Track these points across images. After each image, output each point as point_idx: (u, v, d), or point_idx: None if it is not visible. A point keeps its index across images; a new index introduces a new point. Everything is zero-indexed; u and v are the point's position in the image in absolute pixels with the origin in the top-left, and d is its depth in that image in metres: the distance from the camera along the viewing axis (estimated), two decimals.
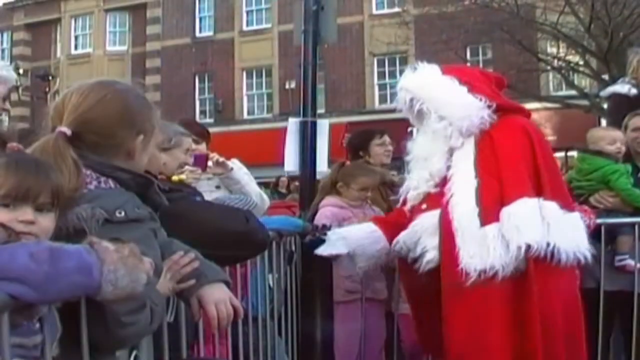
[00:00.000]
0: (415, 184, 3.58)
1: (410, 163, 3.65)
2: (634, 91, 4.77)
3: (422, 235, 3.37)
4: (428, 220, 3.39)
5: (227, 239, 2.37)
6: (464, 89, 3.47)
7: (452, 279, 3.20)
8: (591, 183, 4.26)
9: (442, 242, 3.28)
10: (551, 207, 3.23)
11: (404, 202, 3.68)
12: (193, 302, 2.03)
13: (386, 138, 5.02)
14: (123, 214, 1.78)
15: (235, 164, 4.03)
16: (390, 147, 5.01)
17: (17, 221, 1.60)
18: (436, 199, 3.41)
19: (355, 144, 5.20)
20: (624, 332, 4.15)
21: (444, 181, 3.44)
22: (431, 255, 3.31)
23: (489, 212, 3.22)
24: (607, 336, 4.15)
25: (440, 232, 3.30)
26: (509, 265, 3.13)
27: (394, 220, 3.71)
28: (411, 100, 3.54)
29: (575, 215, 3.36)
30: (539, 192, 3.26)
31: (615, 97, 4.97)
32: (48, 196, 1.64)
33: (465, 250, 3.17)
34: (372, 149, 4.99)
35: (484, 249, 3.15)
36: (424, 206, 3.48)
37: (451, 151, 3.49)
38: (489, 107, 3.44)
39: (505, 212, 3.19)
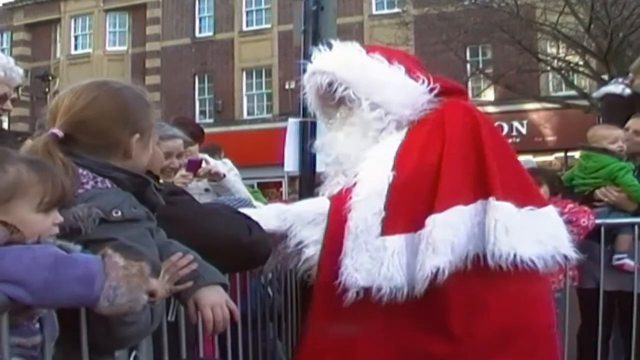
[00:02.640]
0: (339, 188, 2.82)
1: (330, 165, 2.95)
2: (627, 91, 4.82)
3: (294, 223, 2.72)
4: (310, 207, 2.78)
5: (226, 250, 2.31)
6: (400, 69, 2.85)
7: (325, 291, 2.63)
8: (597, 180, 4.31)
9: (327, 239, 2.66)
10: (504, 208, 2.54)
11: None
12: (190, 304, 2.03)
13: None
14: (120, 213, 1.78)
15: (226, 164, 4.04)
16: None
17: (53, 224, 1.63)
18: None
19: None
20: (624, 332, 4.15)
21: None
22: (312, 250, 2.68)
23: (396, 220, 2.59)
24: (606, 336, 4.16)
25: (327, 226, 2.67)
26: (400, 291, 2.52)
27: None
28: (329, 85, 2.87)
29: (543, 211, 2.66)
30: (487, 191, 2.58)
31: (609, 97, 5.02)
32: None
33: (351, 259, 2.56)
34: None
35: (376, 264, 2.54)
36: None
37: None
38: (430, 91, 2.81)
39: (433, 220, 2.52)
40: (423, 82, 2.81)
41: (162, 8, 26.70)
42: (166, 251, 1.99)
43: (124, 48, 27.38)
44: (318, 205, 2.76)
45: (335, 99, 2.90)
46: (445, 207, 2.54)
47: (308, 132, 5.24)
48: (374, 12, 23.72)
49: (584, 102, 16.86)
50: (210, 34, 26.12)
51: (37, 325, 1.61)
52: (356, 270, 2.54)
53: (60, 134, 1.83)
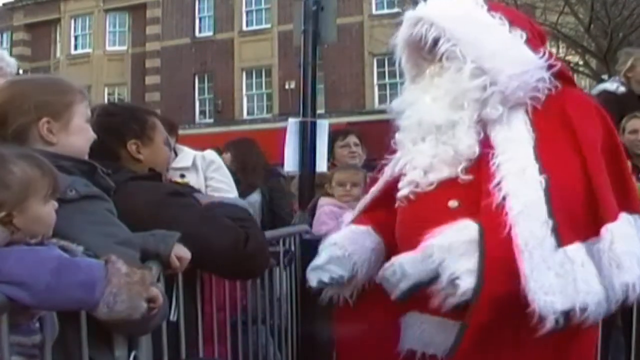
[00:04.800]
0: (425, 162, 2.45)
1: (405, 129, 2.55)
2: (622, 89, 4.87)
3: (446, 258, 2.22)
4: (454, 237, 2.25)
5: (218, 259, 2.30)
6: (521, 36, 2.44)
7: (503, 325, 2.18)
8: None
9: (486, 265, 2.17)
10: None
11: (390, 186, 2.61)
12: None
13: (350, 139, 4.91)
14: (74, 192, 1.80)
15: (205, 158, 3.94)
16: (355, 148, 4.86)
17: (54, 212, 1.65)
18: (468, 194, 2.35)
19: None
20: (624, 332, 4.15)
21: (473, 167, 2.40)
22: (467, 282, 2.16)
23: (567, 227, 2.19)
24: (606, 336, 4.15)
25: (483, 251, 2.19)
26: (603, 307, 2.15)
27: (384, 220, 2.63)
28: (435, 40, 2.46)
29: None
30: (630, 205, 2.31)
31: (604, 95, 5.05)
32: None
33: (534, 282, 2.10)
34: (336, 150, 4.97)
35: (568, 281, 2.13)
36: (452, 203, 2.37)
37: (483, 124, 2.42)
38: (549, 69, 2.42)
39: (609, 230, 2.19)
40: (543, 56, 2.41)
41: (162, 8, 26.70)
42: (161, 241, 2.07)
43: (124, 48, 27.39)
44: (465, 233, 2.26)
45: (434, 54, 2.49)
46: (616, 215, 2.23)
47: (308, 132, 5.26)
48: (374, 12, 23.71)
49: None
50: (210, 34, 26.11)
51: (37, 325, 1.61)
52: (546, 293, 2.09)
53: None
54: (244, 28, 25.65)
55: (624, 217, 2.22)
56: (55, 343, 1.65)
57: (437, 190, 2.42)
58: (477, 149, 2.38)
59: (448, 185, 2.41)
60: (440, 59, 2.46)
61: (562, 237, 2.16)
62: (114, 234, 1.84)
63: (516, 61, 2.38)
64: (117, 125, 2.47)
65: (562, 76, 2.49)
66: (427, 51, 2.52)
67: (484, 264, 2.16)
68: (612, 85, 5.02)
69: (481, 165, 2.36)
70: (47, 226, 1.62)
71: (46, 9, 28.00)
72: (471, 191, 2.34)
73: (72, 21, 27.78)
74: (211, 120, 24.46)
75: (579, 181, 2.26)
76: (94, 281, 1.53)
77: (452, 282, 2.18)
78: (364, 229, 2.66)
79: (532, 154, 2.29)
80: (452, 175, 2.40)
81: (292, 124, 5.33)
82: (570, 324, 2.11)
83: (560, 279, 2.12)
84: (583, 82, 18.76)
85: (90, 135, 2.06)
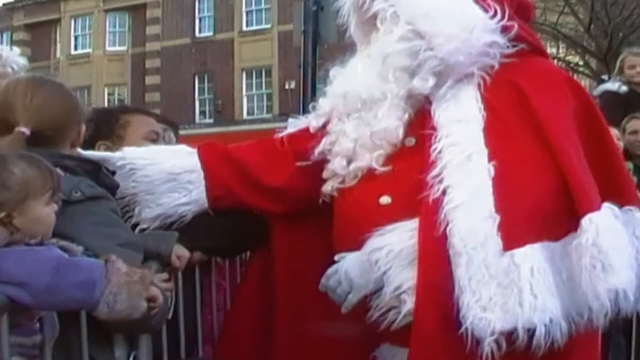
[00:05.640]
0: (348, 147, 2.02)
1: (328, 99, 2.13)
2: (624, 88, 4.89)
3: (391, 266, 1.84)
4: (400, 238, 1.85)
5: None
6: None
7: (436, 347, 1.76)
8: None
9: (420, 276, 1.79)
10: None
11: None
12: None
13: None
14: (79, 193, 1.81)
15: None
16: None
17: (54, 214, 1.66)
18: (402, 187, 1.92)
19: None
20: (624, 332, 4.15)
21: (400, 154, 1.98)
22: (411, 300, 1.81)
23: (518, 224, 1.77)
24: (606, 336, 4.15)
25: (417, 252, 1.81)
26: (560, 326, 1.73)
27: (234, 154, 2.22)
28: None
29: None
30: (619, 195, 1.88)
31: (606, 94, 5.06)
32: None
33: (472, 294, 1.72)
34: None
35: (512, 294, 1.72)
36: (384, 199, 1.93)
37: (416, 101, 1.99)
38: (504, 32, 1.95)
39: (592, 222, 1.74)
40: (495, 15, 1.93)
41: (162, 8, 26.70)
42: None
43: (124, 48, 27.38)
44: (408, 235, 1.86)
45: (363, 18, 2.10)
46: (595, 204, 1.78)
47: None
48: None
49: None
50: (210, 34, 26.11)
51: (37, 325, 1.62)
52: (484, 309, 1.70)
53: (27, 131, 1.85)
54: (244, 28, 25.64)
55: (606, 207, 1.79)
56: (55, 343, 1.65)
57: (362, 183, 2.00)
58: (400, 133, 1.96)
59: (375, 178, 1.98)
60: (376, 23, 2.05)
61: (510, 237, 1.74)
62: (117, 235, 1.84)
63: (457, 20, 1.93)
64: (90, 131, 2.50)
65: (523, 42, 2.00)
66: (371, 15, 2.07)
67: (421, 274, 1.78)
68: (614, 85, 5.03)
69: (419, 152, 1.94)
70: (47, 227, 1.62)
71: (46, 9, 27.99)
72: (405, 183, 1.91)
73: (72, 21, 27.78)
74: (211, 121, 24.45)
75: (541, 168, 1.82)
76: (94, 281, 1.54)
77: (398, 297, 1.82)
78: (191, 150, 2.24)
79: (482, 137, 1.87)
80: (373, 165, 1.99)
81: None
82: (515, 348, 1.70)
83: (505, 291, 1.71)
84: (583, 82, 18.78)
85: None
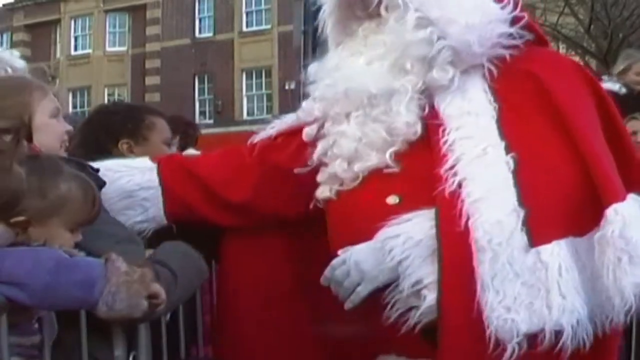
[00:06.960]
0: (349, 148, 1.87)
1: (322, 100, 1.96)
2: (624, 90, 4.89)
3: (408, 255, 1.70)
4: (421, 227, 1.72)
5: None
6: None
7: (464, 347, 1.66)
8: None
9: (444, 275, 1.67)
10: None
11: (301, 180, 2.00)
12: None
13: None
14: None
15: None
16: None
17: (74, 243, 1.65)
18: (412, 185, 1.80)
19: None
20: (624, 331, 4.15)
21: (410, 151, 1.85)
22: (432, 297, 1.68)
23: (547, 218, 1.69)
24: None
25: (439, 255, 1.68)
26: (585, 327, 1.65)
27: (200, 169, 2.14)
28: None
29: None
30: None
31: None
32: None
33: (495, 294, 1.63)
34: None
35: (539, 294, 1.64)
36: (392, 199, 1.80)
37: (428, 94, 1.86)
38: (514, 23, 1.87)
39: (618, 212, 1.64)
40: (506, 6, 1.85)
41: (162, 8, 26.71)
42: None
43: (124, 48, 27.39)
44: (429, 225, 1.73)
45: (368, 5, 1.91)
46: (622, 195, 1.69)
47: None
48: None
49: None
50: (210, 34, 26.12)
51: (36, 325, 1.62)
52: (509, 309, 1.61)
53: None
54: (244, 29, 25.66)
55: (632, 197, 1.70)
56: (54, 343, 1.65)
57: (366, 184, 1.86)
58: (419, 129, 1.83)
59: (381, 177, 1.84)
60: (379, 14, 1.90)
61: (536, 232, 1.65)
62: (116, 233, 1.85)
63: (471, 9, 1.82)
64: (113, 124, 2.48)
65: (531, 32, 1.93)
66: (361, 7, 1.94)
67: (441, 266, 1.66)
68: (615, 85, 5.03)
69: (425, 147, 1.82)
70: (52, 244, 1.61)
71: (46, 10, 28.00)
72: (415, 181, 1.79)
73: (72, 22, 27.79)
74: (211, 121, 24.44)
75: (564, 159, 1.73)
76: (93, 280, 1.53)
77: (417, 292, 1.68)
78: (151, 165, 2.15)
79: (496, 129, 1.78)
80: (381, 164, 1.85)
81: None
82: (535, 349, 1.62)
83: (530, 290, 1.62)
84: None
85: (60, 130, 1.99)
